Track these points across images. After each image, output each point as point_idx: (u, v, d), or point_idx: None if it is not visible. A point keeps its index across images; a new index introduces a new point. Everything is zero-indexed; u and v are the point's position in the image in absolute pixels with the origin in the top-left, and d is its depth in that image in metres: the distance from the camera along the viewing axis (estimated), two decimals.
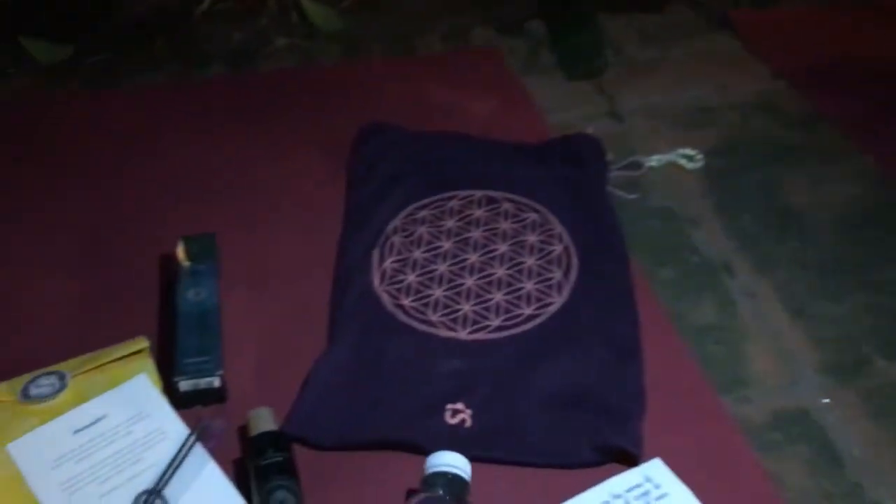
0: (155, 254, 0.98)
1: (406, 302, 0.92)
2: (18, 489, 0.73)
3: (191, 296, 0.87)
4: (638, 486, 0.76)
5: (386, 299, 0.92)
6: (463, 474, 0.71)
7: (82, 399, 0.79)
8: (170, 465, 0.75)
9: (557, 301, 0.92)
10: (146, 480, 0.74)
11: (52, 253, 0.99)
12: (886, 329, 0.92)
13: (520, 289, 0.94)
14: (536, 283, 0.94)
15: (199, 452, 0.76)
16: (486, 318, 0.91)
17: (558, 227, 1.01)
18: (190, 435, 0.77)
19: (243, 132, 1.19)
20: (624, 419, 0.80)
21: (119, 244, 1.01)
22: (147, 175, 1.12)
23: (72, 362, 0.83)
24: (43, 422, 0.77)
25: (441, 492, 0.69)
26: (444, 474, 0.71)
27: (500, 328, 0.90)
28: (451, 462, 0.72)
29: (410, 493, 0.74)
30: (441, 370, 0.85)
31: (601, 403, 0.82)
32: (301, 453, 0.77)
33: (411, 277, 0.95)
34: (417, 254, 0.98)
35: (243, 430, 0.79)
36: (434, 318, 0.91)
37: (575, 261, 0.97)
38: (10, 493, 0.72)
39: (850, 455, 0.80)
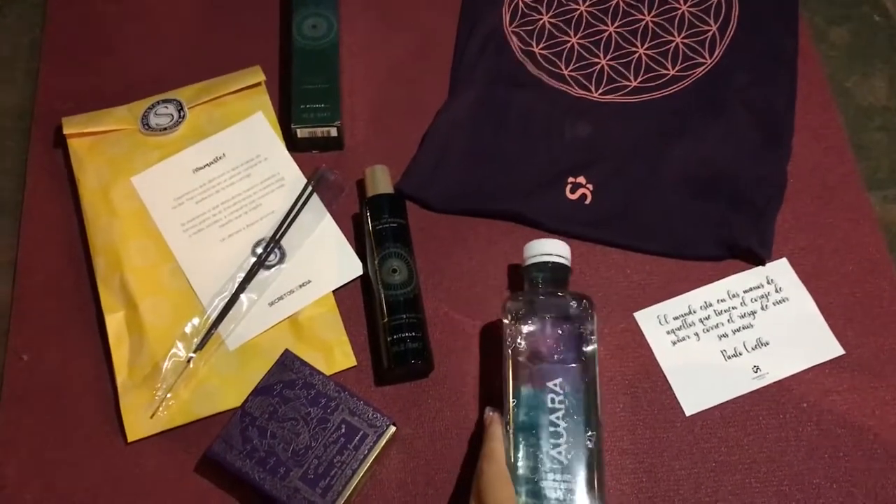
0: None
1: (537, 48, 0.84)
2: (145, 223, 0.75)
3: (308, 29, 0.81)
4: (758, 287, 0.73)
5: (515, 43, 0.84)
6: (564, 261, 0.69)
7: (200, 135, 0.79)
8: (287, 214, 0.75)
9: (707, 62, 0.82)
10: (264, 228, 0.75)
11: None
12: None
13: (667, 42, 0.84)
14: (686, 37, 0.84)
15: (316, 203, 0.76)
16: (623, 76, 0.82)
17: None
18: (307, 184, 0.77)
19: None
20: (758, 215, 0.75)
21: None
22: None
23: (188, 90, 0.80)
24: (164, 156, 0.77)
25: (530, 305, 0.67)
26: (545, 264, 0.68)
27: (637, 90, 0.82)
28: (550, 250, 0.68)
29: (512, 268, 0.73)
30: (567, 135, 0.79)
31: (736, 192, 0.76)
32: (413, 212, 0.76)
33: (545, 18, 0.85)
34: None
35: (361, 184, 0.77)
36: (566, 71, 0.83)
37: (735, 13, 0.84)
38: (138, 225, 0.75)
39: None
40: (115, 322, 0.71)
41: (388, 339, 0.69)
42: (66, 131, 0.77)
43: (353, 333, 0.72)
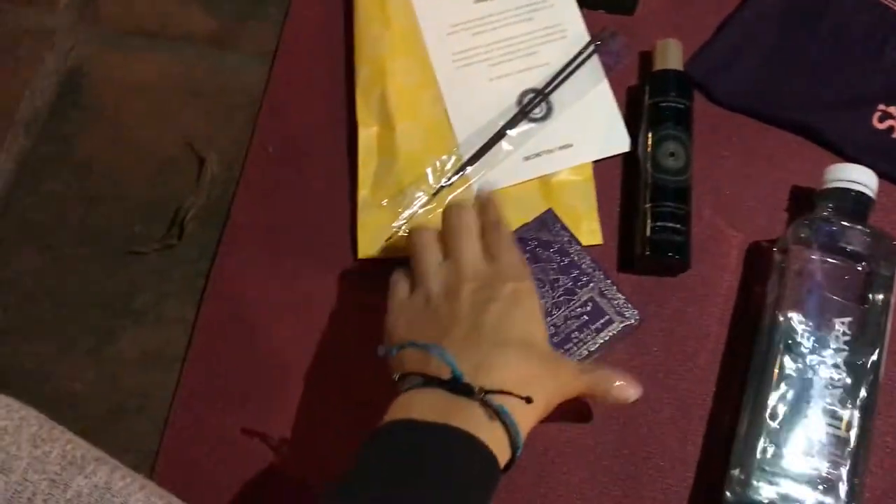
0: None
1: None
2: (416, 43, 0.71)
3: None
4: None
5: None
6: (870, 193, 0.62)
7: None
8: (563, 69, 0.70)
9: None
10: (535, 78, 0.70)
11: None
12: None
13: None
14: None
15: (595, 65, 0.70)
16: None
17: None
18: (590, 42, 0.71)
19: None
20: None
21: None
22: None
23: None
24: None
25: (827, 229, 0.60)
26: (848, 192, 0.61)
27: None
28: (858, 178, 0.62)
29: (796, 192, 0.66)
30: (887, 57, 0.70)
31: None
32: (696, 99, 0.69)
33: None
34: None
35: (645, 58, 0.71)
36: None
37: None
38: (408, 43, 0.71)
39: None
40: (367, 137, 0.68)
41: (650, 224, 0.63)
42: None
43: (602, 212, 0.67)
